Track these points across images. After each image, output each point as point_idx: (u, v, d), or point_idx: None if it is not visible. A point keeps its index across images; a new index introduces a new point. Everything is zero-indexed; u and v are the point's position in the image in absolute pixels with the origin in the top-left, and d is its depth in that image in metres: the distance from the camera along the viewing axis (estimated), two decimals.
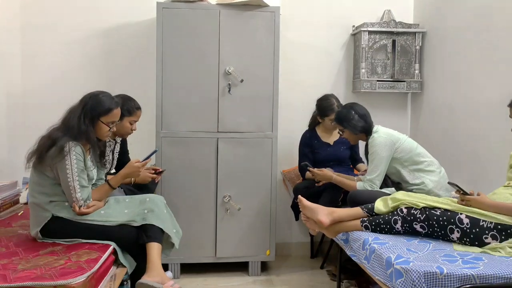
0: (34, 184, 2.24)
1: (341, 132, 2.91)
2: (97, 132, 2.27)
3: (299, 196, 2.49)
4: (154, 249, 2.22)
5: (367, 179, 2.71)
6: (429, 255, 1.92)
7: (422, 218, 2.12)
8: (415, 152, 2.74)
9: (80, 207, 2.18)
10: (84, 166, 2.22)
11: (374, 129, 2.80)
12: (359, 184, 2.74)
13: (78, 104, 2.26)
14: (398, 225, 2.18)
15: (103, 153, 2.42)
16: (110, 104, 2.27)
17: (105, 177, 2.49)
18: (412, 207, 2.16)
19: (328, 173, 2.89)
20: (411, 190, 2.65)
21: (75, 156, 2.15)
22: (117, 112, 2.31)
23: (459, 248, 2.02)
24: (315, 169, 2.92)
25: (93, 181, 2.34)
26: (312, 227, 2.46)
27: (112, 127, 2.32)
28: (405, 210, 2.17)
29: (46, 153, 2.14)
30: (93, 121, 2.23)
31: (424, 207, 2.14)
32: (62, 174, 2.15)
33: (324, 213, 2.34)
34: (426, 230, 2.14)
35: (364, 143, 2.95)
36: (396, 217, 2.19)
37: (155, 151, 2.59)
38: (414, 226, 2.15)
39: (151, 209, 2.29)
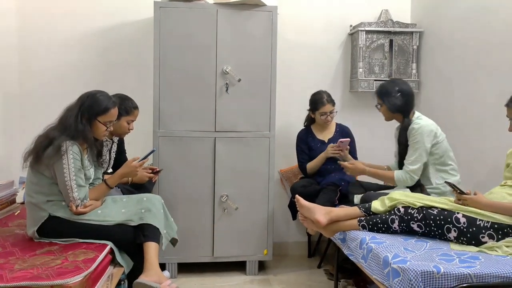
0: (31, 183, 2.23)
1: (378, 106, 2.76)
2: (94, 131, 2.27)
3: (297, 196, 2.49)
4: (151, 249, 2.22)
5: (409, 170, 2.57)
6: (426, 254, 1.92)
7: (419, 218, 2.12)
8: (448, 153, 2.66)
9: (77, 206, 2.18)
10: (81, 166, 2.21)
11: (416, 115, 2.67)
12: (398, 174, 2.59)
13: (75, 103, 2.26)
14: (395, 225, 2.18)
15: (100, 153, 2.41)
16: (108, 103, 2.27)
17: (102, 176, 2.49)
18: (409, 207, 2.16)
19: (360, 166, 2.76)
20: (429, 194, 2.56)
21: (72, 156, 2.14)
22: (114, 111, 2.31)
23: (456, 247, 2.02)
24: (346, 162, 2.81)
25: (90, 181, 2.33)
26: (310, 227, 2.46)
27: (109, 127, 2.31)
28: (402, 210, 2.17)
29: (43, 152, 2.14)
30: (90, 120, 2.23)
31: (421, 207, 2.14)
32: (59, 173, 2.15)
33: (321, 213, 2.34)
34: (423, 230, 2.14)
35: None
36: (393, 217, 2.19)
37: (153, 151, 2.58)
38: (411, 225, 2.15)
39: (148, 209, 2.28)
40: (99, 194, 2.31)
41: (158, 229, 2.27)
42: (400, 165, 2.74)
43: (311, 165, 3.17)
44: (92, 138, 2.27)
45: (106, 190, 2.34)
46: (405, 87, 2.69)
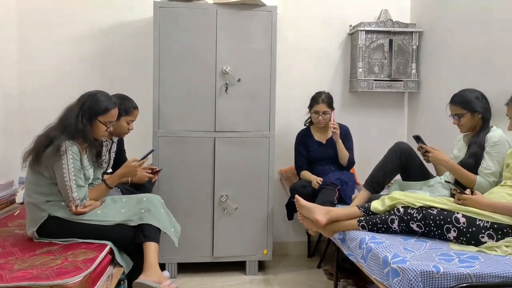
0: (31, 183, 2.23)
1: (457, 117, 2.57)
2: (94, 131, 2.27)
3: (296, 196, 2.49)
4: (151, 249, 2.22)
5: (492, 180, 2.42)
6: (425, 254, 1.92)
7: (418, 218, 2.12)
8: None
9: (76, 206, 2.18)
10: (81, 166, 2.21)
11: (494, 128, 2.54)
12: (481, 180, 2.45)
13: (76, 103, 2.26)
14: (395, 225, 2.18)
15: (99, 153, 2.42)
16: (108, 104, 2.28)
17: (102, 176, 2.49)
18: (409, 207, 2.16)
19: (443, 155, 2.56)
20: None
21: (72, 156, 2.15)
22: (114, 112, 2.31)
23: (455, 247, 2.02)
24: (429, 146, 2.61)
25: (90, 181, 2.33)
26: (309, 227, 2.46)
27: (109, 127, 2.32)
28: (401, 210, 2.17)
29: (43, 152, 2.14)
30: (90, 120, 2.24)
31: (420, 207, 2.14)
32: (59, 173, 2.15)
33: (321, 212, 2.34)
34: (423, 230, 2.14)
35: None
36: (393, 217, 2.19)
37: (152, 151, 2.58)
38: (411, 225, 2.15)
39: (148, 209, 2.28)
40: (98, 194, 2.31)
41: (158, 229, 2.27)
42: (467, 165, 2.54)
43: (304, 177, 3.18)
44: (92, 138, 2.27)
45: (105, 190, 2.34)
46: (482, 94, 2.57)
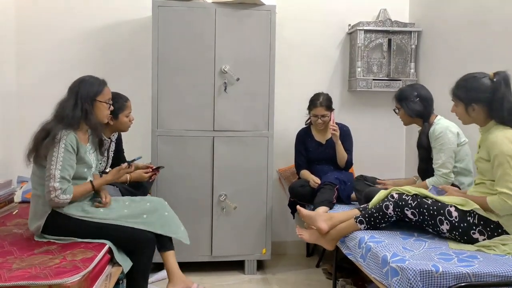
0: (35, 175, 2.24)
1: (396, 110, 2.75)
2: (98, 114, 2.29)
3: (298, 207, 2.54)
4: (170, 257, 2.33)
5: (442, 173, 2.50)
6: (424, 254, 1.92)
7: (413, 205, 2.13)
8: (469, 160, 2.58)
9: (55, 197, 2.09)
10: (76, 156, 2.18)
11: (437, 117, 2.63)
12: (431, 181, 2.51)
13: (69, 95, 2.28)
14: (390, 210, 2.18)
15: (101, 141, 2.41)
16: (99, 83, 2.33)
17: (101, 175, 2.50)
18: (404, 193, 2.18)
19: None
20: None
21: (64, 145, 2.12)
22: (108, 89, 2.36)
23: (454, 246, 2.03)
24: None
25: (93, 169, 2.32)
26: (309, 240, 2.48)
27: (110, 105, 2.35)
28: (396, 195, 2.19)
29: (41, 144, 2.14)
30: (92, 103, 2.26)
31: (415, 194, 2.16)
32: (48, 161, 2.13)
33: (322, 220, 2.37)
34: (417, 218, 2.14)
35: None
36: (387, 203, 2.19)
37: (139, 158, 2.57)
38: (406, 212, 2.15)
39: (151, 216, 2.31)
40: (82, 192, 2.23)
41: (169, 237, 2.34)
42: (421, 171, 2.66)
43: (304, 176, 3.17)
44: (96, 121, 2.27)
45: (89, 191, 2.29)
46: (424, 91, 2.67)
